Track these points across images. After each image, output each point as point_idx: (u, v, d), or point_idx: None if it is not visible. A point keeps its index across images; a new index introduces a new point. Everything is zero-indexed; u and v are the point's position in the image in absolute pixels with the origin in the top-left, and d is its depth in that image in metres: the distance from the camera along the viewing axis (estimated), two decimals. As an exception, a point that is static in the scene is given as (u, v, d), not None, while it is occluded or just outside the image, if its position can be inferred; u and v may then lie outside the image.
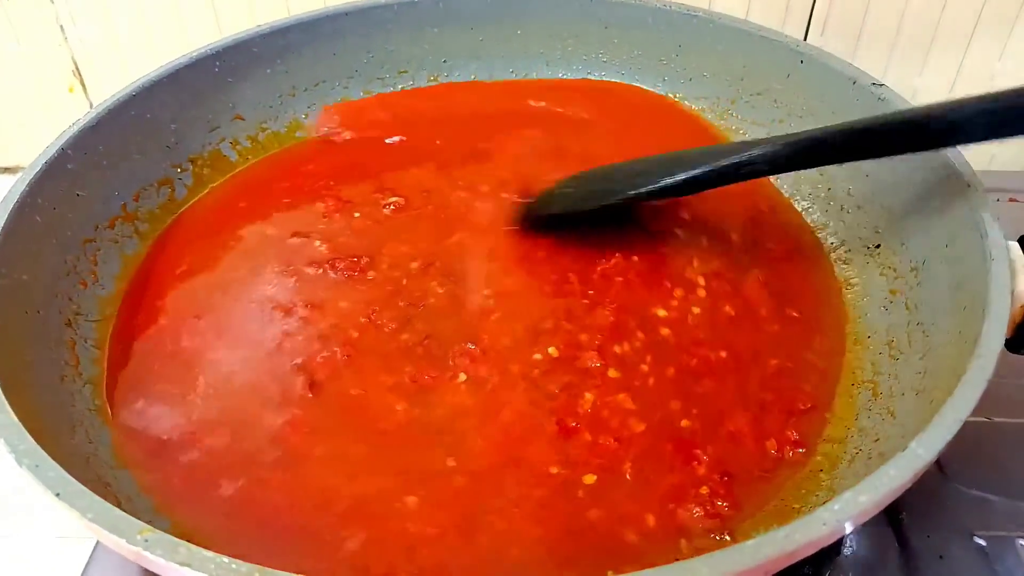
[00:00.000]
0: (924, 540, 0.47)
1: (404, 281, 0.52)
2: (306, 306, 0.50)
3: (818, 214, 0.59)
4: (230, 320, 0.50)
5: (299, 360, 0.47)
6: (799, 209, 0.60)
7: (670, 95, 0.68)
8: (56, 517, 0.52)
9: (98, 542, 0.50)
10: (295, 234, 0.56)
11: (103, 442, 0.43)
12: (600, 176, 0.56)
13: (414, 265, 0.53)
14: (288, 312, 0.50)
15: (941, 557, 0.47)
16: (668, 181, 0.49)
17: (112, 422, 0.45)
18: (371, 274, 0.52)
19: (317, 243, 0.55)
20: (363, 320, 0.49)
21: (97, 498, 0.31)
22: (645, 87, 0.69)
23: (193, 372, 0.47)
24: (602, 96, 0.69)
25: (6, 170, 0.86)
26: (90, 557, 0.50)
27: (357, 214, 0.57)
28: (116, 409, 0.45)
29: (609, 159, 0.57)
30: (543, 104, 0.69)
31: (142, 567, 0.47)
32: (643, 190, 0.50)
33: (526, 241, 0.55)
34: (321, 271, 0.52)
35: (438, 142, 0.64)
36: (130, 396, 0.46)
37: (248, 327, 0.49)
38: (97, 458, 0.42)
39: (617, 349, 0.47)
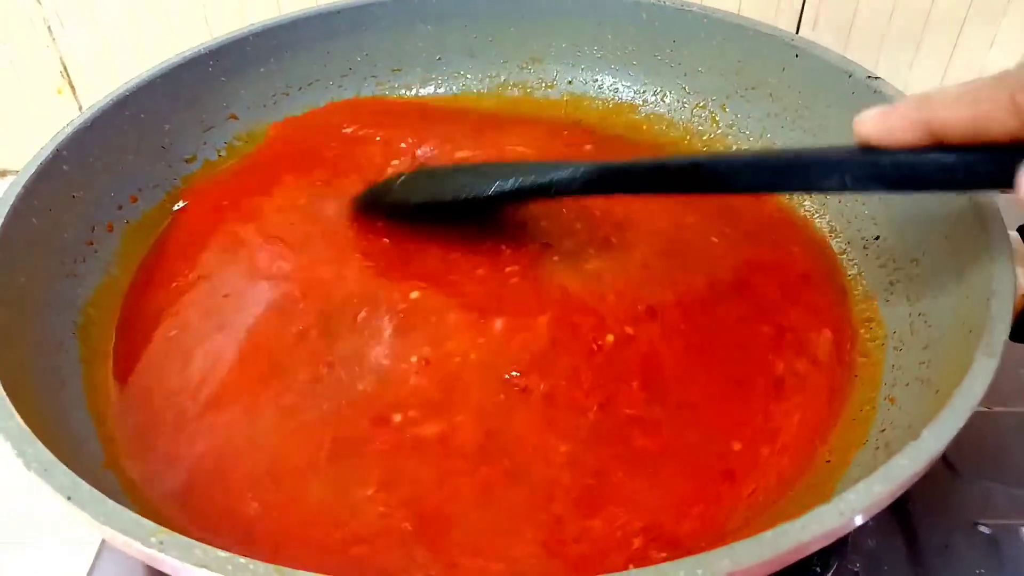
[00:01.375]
0: (929, 530, 0.48)
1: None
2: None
3: (813, 205, 0.59)
4: (232, 318, 0.49)
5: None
6: (796, 203, 0.60)
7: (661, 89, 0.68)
8: (59, 523, 0.51)
9: (101, 548, 0.50)
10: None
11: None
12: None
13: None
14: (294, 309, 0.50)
15: (947, 546, 0.47)
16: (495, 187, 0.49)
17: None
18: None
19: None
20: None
21: (109, 500, 0.31)
22: (640, 82, 0.69)
23: (195, 373, 0.47)
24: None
25: (-8, 173, 0.85)
26: (93, 564, 0.49)
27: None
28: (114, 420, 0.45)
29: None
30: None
31: (147, 570, 0.48)
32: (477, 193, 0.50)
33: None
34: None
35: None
36: (129, 405, 0.46)
37: (253, 326, 0.49)
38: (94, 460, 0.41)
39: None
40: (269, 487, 0.41)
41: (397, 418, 0.44)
